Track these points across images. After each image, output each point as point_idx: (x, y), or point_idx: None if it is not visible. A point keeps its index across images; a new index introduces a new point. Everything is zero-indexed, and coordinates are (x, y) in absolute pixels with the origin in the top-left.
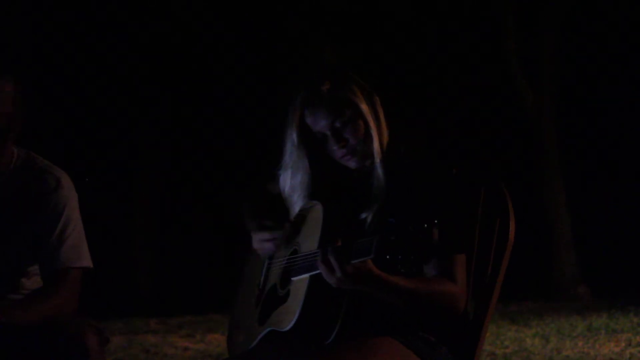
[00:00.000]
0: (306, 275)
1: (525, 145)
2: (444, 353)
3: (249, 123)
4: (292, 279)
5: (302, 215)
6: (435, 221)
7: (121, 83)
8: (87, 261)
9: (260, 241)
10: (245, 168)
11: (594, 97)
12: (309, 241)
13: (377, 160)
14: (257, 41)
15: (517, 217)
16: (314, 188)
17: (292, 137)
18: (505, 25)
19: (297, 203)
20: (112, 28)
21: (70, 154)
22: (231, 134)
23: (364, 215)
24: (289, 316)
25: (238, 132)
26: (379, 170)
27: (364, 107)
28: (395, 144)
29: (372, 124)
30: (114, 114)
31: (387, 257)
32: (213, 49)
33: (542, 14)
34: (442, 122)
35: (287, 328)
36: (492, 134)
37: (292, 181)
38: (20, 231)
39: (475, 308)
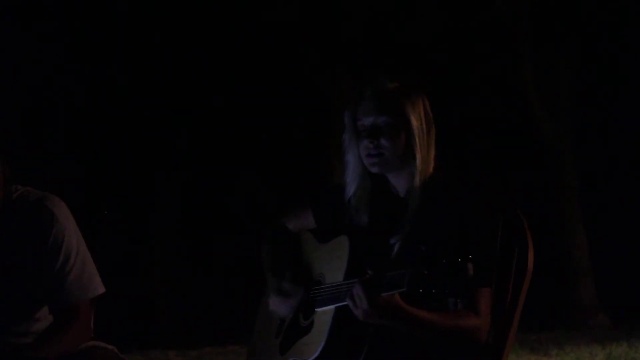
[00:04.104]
0: (331, 307)
1: (543, 173)
2: None
3: (266, 153)
4: (317, 309)
5: (326, 245)
6: (470, 256)
7: (137, 114)
8: (95, 290)
9: (276, 305)
10: (263, 199)
11: (612, 124)
12: (334, 272)
13: (416, 184)
14: (276, 70)
15: (535, 244)
16: (361, 170)
17: (346, 119)
18: (521, 54)
19: (351, 184)
20: (128, 55)
21: (88, 188)
22: (248, 165)
23: (392, 241)
24: (313, 347)
25: (255, 163)
26: (416, 196)
27: (415, 123)
28: (436, 177)
29: (417, 143)
30: (131, 146)
31: (420, 290)
32: (228, 78)
33: (558, 43)
34: (460, 151)
35: (311, 359)
36: (510, 162)
37: (347, 155)
38: (22, 272)
39: (495, 338)
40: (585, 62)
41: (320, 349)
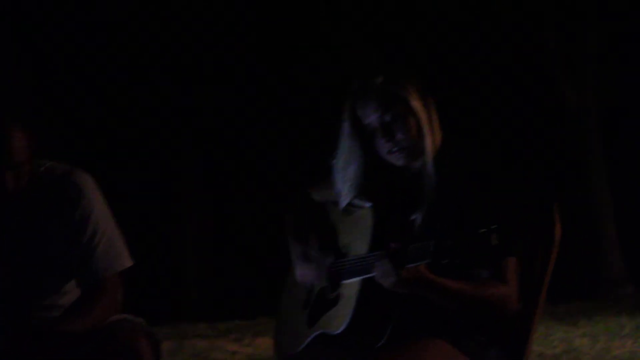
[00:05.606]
0: (357, 279)
1: (570, 145)
2: (494, 353)
3: (296, 124)
4: (343, 282)
5: (350, 217)
6: (494, 226)
7: (168, 91)
8: (122, 263)
9: (303, 274)
10: (292, 170)
11: (637, 96)
12: (359, 244)
13: (429, 160)
14: (301, 47)
15: (562, 217)
16: (365, 182)
17: (344, 128)
18: (546, 27)
19: (347, 195)
20: (157, 34)
21: (121, 160)
22: (279, 135)
23: (413, 217)
24: (340, 319)
25: (286, 133)
26: (430, 171)
27: (416, 104)
28: (447, 147)
29: (424, 122)
30: (161, 120)
31: (445, 261)
32: (256, 55)
33: (583, 15)
34: (485, 124)
35: (339, 331)
36: (536, 135)
37: (344, 172)
38: (49, 246)
39: (523, 309)
40: (610, 33)
41: (347, 321)
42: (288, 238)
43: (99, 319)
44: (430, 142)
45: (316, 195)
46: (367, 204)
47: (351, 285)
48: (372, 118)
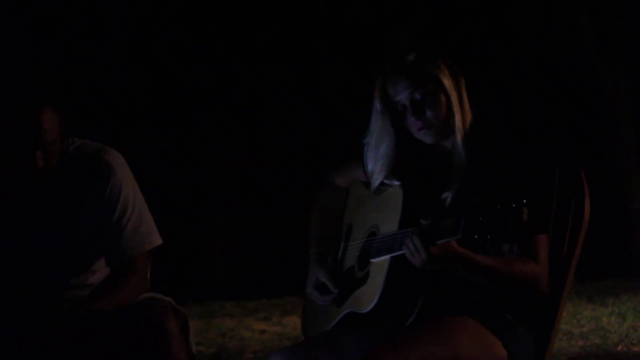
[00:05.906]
0: (387, 257)
1: (600, 121)
2: (522, 332)
3: (327, 104)
4: (372, 260)
5: (380, 196)
6: (524, 201)
7: (197, 71)
8: (152, 241)
9: (315, 295)
10: (320, 149)
11: None
12: (388, 223)
13: (459, 138)
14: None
15: (592, 194)
16: (396, 160)
17: (375, 105)
18: (578, 4)
19: (379, 174)
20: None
21: (149, 138)
22: (305, 115)
23: (444, 195)
24: (368, 298)
25: (313, 112)
26: (460, 149)
27: (447, 82)
28: (476, 125)
29: (454, 100)
30: (191, 99)
31: (475, 237)
32: (286, 39)
33: None
34: (518, 104)
35: (367, 310)
36: (567, 111)
37: (376, 150)
38: (79, 224)
39: (551, 287)
40: None
41: (376, 299)
42: (311, 227)
43: (128, 297)
44: (460, 121)
45: (343, 179)
46: (396, 183)
47: (380, 263)
48: (402, 96)
